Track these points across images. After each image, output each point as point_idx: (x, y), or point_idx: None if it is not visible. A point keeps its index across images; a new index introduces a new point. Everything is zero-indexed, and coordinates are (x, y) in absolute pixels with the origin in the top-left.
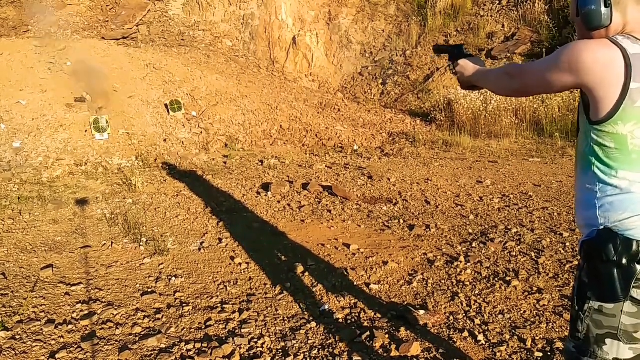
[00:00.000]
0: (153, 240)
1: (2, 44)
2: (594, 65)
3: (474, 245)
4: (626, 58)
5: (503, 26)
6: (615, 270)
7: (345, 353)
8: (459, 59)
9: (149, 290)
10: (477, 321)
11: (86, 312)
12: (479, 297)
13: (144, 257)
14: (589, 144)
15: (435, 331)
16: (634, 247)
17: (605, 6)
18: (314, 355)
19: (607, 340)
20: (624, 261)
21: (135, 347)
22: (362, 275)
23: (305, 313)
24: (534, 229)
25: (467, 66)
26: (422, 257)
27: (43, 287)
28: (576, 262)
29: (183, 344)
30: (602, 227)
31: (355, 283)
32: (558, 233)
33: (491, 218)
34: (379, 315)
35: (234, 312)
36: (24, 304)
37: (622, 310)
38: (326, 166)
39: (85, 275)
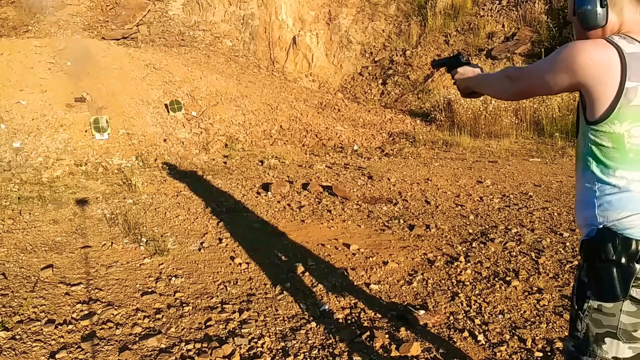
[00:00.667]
0: (153, 240)
1: (2, 44)
2: (590, 64)
3: (474, 245)
4: (622, 57)
5: (503, 26)
6: (615, 270)
7: (345, 353)
8: (457, 67)
9: (149, 290)
10: (477, 321)
11: (86, 312)
12: (479, 297)
13: (144, 257)
14: (587, 144)
15: (435, 331)
16: (633, 246)
17: (601, 6)
18: (314, 355)
19: (607, 340)
20: (623, 260)
21: (135, 347)
22: (362, 275)
23: (305, 313)
24: (534, 229)
25: (466, 73)
26: (422, 257)
27: (43, 287)
28: (576, 262)
29: (183, 344)
30: (601, 226)
31: (355, 283)
32: (558, 233)
33: (491, 218)
34: (379, 315)
35: (234, 312)
36: (24, 304)
37: (621, 310)
38: (326, 166)
39: (85, 275)
